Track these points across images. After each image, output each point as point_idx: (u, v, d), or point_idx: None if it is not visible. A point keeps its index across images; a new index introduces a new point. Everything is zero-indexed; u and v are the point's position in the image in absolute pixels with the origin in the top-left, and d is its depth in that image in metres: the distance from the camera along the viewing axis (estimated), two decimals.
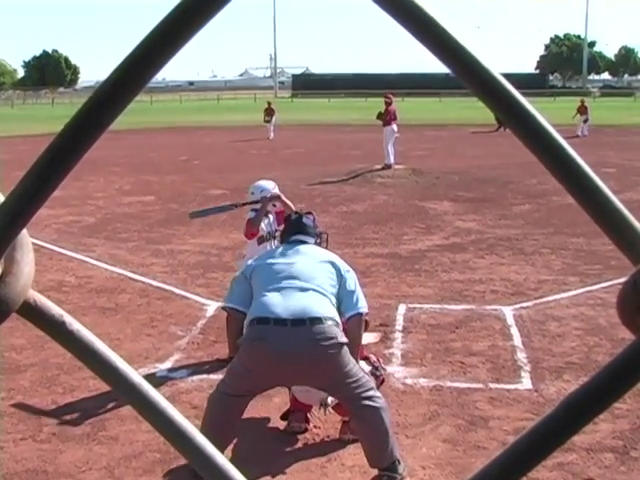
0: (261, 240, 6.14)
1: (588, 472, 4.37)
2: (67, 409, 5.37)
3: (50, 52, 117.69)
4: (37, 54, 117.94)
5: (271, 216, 6.23)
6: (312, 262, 4.50)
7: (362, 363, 4.67)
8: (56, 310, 0.42)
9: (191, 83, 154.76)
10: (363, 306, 4.49)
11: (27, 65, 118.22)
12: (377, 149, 19.34)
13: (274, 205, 6.20)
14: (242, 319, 4.42)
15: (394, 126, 19.03)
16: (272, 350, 4.10)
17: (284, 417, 4.99)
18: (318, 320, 4.14)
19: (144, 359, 6.24)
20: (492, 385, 5.65)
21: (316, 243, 4.94)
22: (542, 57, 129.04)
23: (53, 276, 8.81)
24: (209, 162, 21.96)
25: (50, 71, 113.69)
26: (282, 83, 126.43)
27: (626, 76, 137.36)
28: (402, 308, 7.53)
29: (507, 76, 0.38)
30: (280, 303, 4.22)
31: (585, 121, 28.87)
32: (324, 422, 5.01)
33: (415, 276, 8.79)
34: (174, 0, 0.35)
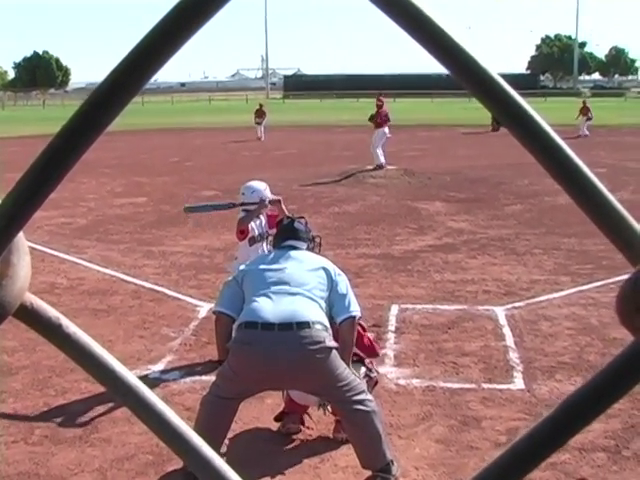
0: (252, 241, 6.13)
1: (580, 472, 4.39)
2: (59, 411, 5.35)
3: (41, 53, 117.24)
4: (28, 55, 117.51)
5: (263, 218, 6.22)
6: (303, 267, 4.51)
7: (356, 365, 4.67)
8: (53, 313, 0.42)
9: (183, 84, 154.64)
10: (355, 310, 4.48)
11: (18, 66, 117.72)
12: (369, 150, 19.36)
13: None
14: (230, 323, 4.42)
15: (386, 129, 19.07)
16: (259, 354, 4.12)
17: (278, 419, 4.99)
18: (305, 324, 4.14)
19: (136, 361, 6.22)
20: (485, 385, 5.66)
21: (309, 247, 4.93)
22: (533, 57, 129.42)
23: (45, 278, 8.78)
24: (201, 163, 21.93)
25: (41, 72, 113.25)
26: (274, 84, 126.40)
27: (616, 76, 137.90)
28: (395, 309, 7.54)
29: None
30: (269, 308, 4.23)
31: (588, 120, 29.12)
32: (317, 423, 5.01)
33: (407, 276, 8.79)
34: (164, 2, 0.35)
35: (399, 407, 5.30)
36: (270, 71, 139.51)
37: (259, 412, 5.20)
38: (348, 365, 4.36)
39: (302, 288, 4.35)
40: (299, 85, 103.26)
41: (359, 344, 4.70)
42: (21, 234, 0.40)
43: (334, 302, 4.42)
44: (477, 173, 18.13)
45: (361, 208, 13.87)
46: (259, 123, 30.59)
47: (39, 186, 0.37)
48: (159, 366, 6.18)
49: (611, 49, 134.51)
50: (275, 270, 4.49)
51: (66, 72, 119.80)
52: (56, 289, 8.45)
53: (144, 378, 5.70)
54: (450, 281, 8.56)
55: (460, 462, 4.54)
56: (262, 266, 4.58)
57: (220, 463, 0.44)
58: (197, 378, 5.87)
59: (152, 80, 0.38)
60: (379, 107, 19.24)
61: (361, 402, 4.21)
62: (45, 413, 5.33)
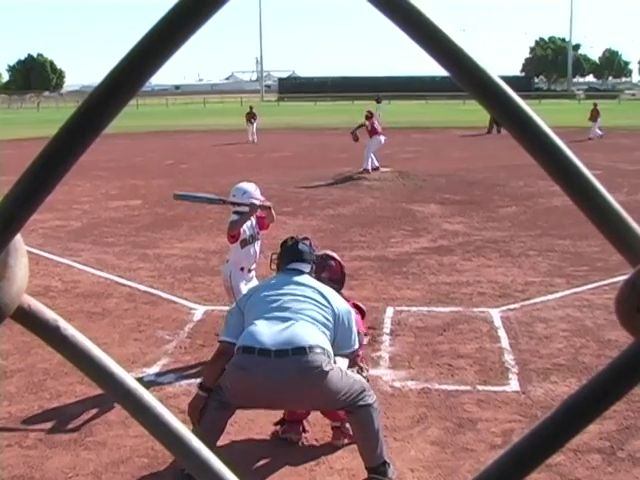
0: (244, 243, 6.14)
1: (575, 473, 4.39)
2: (54, 415, 5.34)
3: (35, 56, 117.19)
4: (22, 58, 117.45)
5: (253, 219, 6.23)
6: (305, 293, 4.51)
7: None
8: (50, 315, 0.41)
9: (177, 87, 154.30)
10: (356, 343, 4.57)
11: (12, 69, 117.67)
12: (363, 153, 19.37)
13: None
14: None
15: (381, 137, 19.05)
16: (254, 381, 4.16)
17: (278, 423, 4.99)
18: (302, 350, 4.16)
19: (131, 364, 6.21)
20: (480, 387, 5.67)
21: (311, 269, 4.88)
22: (527, 60, 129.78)
23: (39, 281, 8.75)
24: (196, 166, 21.91)
25: (35, 75, 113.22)
26: (268, 87, 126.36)
27: (610, 78, 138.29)
28: (390, 311, 7.54)
29: None
30: (267, 333, 4.24)
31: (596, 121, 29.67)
32: (313, 426, 5.00)
33: (403, 279, 8.80)
34: (159, 5, 0.35)
35: (394, 409, 5.30)
36: (265, 73, 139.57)
37: (255, 415, 5.19)
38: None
39: (302, 313, 4.37)
40: (294, 87, 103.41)
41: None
42: (19, 236, 0.40)
43: (336, 335, 4.44)
44: (472, 175, 18.16)
45: (356, 210, 13.87)
46: (252, 123, 30.53)
47: (37, 188, 0.37)
48: (154, 369, 6.16)
49: (605, 51, 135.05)
50: (277, 295, 4.50)
51: (60, 75, 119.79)
52: (51, 292, 8.42)
53: (139, 381, 5.63)
54: (445, 283, 8.57)
55: (455, 464, 4.54)
56: (265, 292, 4.59)
57: (219, 465, 0.44)
58: (192, 381, 5.85)
59: (147, 83, 0.38)
60: (367, 118, 19.18)
61: (362, 399, 4.26)
62: (40, 416, 5.31)
